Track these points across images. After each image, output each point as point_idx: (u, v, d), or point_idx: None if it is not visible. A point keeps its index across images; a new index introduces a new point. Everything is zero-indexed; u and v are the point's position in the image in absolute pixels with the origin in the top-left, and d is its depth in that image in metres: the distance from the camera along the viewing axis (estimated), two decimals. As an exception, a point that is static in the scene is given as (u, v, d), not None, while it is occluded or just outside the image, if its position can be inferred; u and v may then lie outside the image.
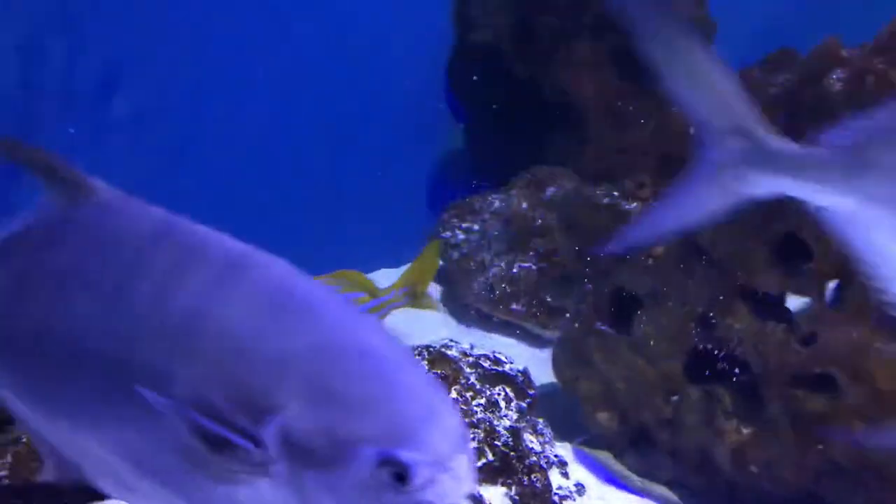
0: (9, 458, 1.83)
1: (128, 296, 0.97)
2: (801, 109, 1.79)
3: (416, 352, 2.01)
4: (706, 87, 1.09)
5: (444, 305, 3.12)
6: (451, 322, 3.01)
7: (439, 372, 1.94)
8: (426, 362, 1.97)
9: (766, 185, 1.07)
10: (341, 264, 3.36)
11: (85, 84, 2.66)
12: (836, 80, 1.75)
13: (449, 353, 2.03)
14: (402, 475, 0.86)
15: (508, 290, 2.94)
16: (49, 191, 1.07)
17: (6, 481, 1.80)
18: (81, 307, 1.00)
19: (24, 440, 1.85)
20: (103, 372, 0.97)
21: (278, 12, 2.99)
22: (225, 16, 2.89)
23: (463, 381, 1.97)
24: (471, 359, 2.08)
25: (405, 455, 0.86)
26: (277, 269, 0.97)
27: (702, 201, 1.17)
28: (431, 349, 2.02)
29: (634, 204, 2.21)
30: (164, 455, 0.95)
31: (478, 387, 2.00)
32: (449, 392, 1.91)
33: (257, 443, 0.88)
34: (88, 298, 0.99)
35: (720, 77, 1.12)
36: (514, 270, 2.99)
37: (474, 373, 2.04)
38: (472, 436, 1.83)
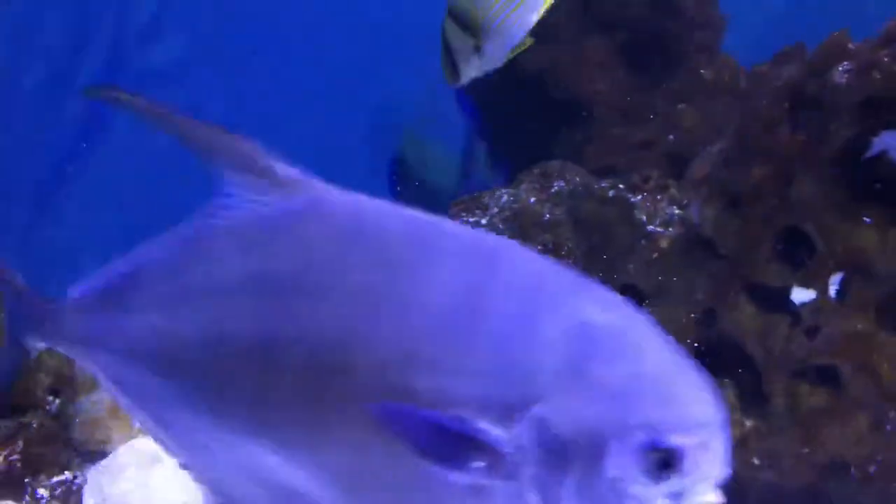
0: (20, 444, 1.87)
1: (363, 300, 0.86)
2: (804, 102, 1.79)
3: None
4: None
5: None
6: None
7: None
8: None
9: None
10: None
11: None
12: (841, 72, 1.74)
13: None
14: (669, 462, 0.79)
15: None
16: (248, 184, 0.94)
17: (18, 465, 1.84)
18: (309, 312, 0.88)
19: (35, 425, 1.89)
20: (326, 384, 0.86)
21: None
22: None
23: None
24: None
25: (675, 440, 0.79)
26: (518, 253, 0.89)
27: None
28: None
29: (640, 197, 2.22)
30: (387, 477, 0.85)
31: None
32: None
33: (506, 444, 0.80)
34: (317, 303, 0.88)
35: None
36: (521, 265, 3.00)
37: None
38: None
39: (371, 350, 0.84)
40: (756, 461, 1.86)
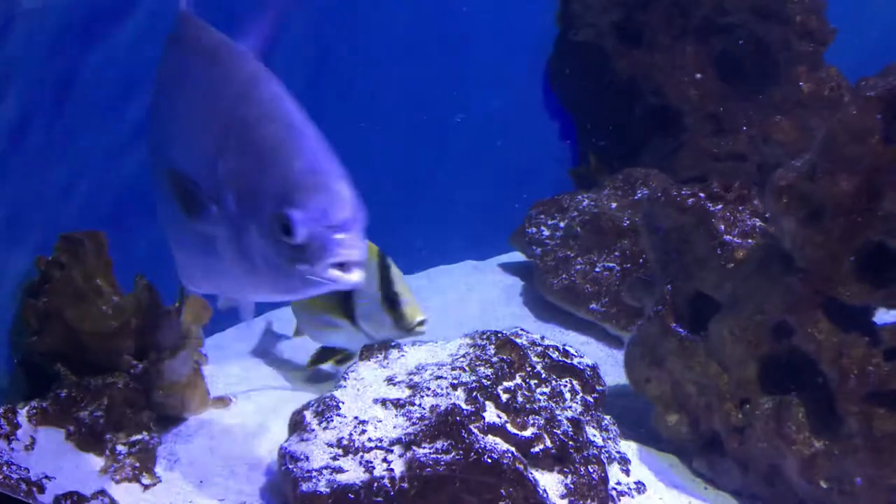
0: (105, 401, 2.00)
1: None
2: (898, 113, 1.71)
3: (484, 336, 2.05)
4: None
5: (523, 298, 3.14)
6: (530, 316, 3.02)
7: (505, 357, 1.97)
8: (493, 347, 2.00)
9: None
10: (430, 256, 3.44)
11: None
12: (940, 84, 1.65)
13: (517, 340, 2.06)
14: (288, 228, 1.17)
15: (589, 290, 2.93)
16: None
17: (101, 421, 1.96)
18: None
19: (120, 385, 2.01)
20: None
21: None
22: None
23: (528, 369, 1.99)
24: (539, 348, 2.10)
25: (294, 213, 1.17)
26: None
27: None
28: (500, 335, 2.05)
29: (720, 206, 2.16)
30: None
31: (543, 376, 2.01)
32: (513, 378, 1.93)
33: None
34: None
35: None
36: (598, 270, 2.97)
37: (541, 362, 2.05)
38: (531, 422, 1.85)
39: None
40: (823, 484, 1.79)
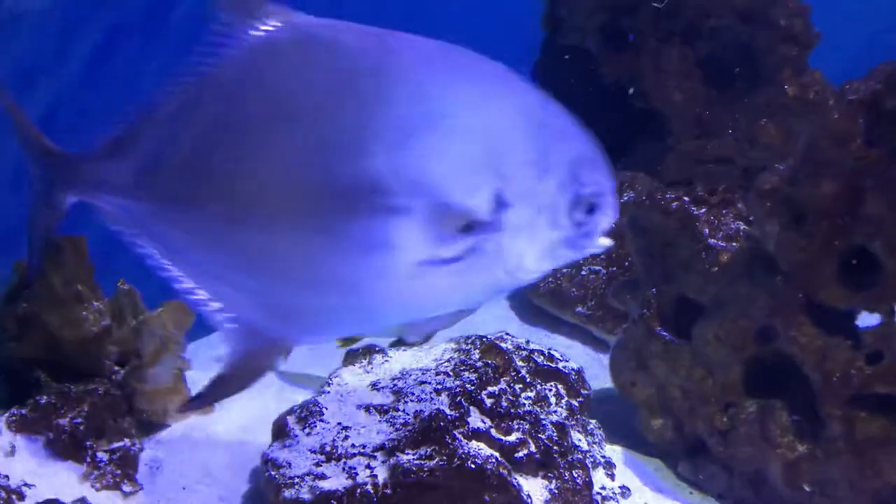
0: (85, 408, 1.97)
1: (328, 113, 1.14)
2: (881, 117, 1.71)
3: (468, 341, 2.04)
4: None
5: (510, 303, 3.14)
6: (516, 319, 3.02)
7: (489, 361, 1.96)
8: (477, 352, 1.99)
9: None
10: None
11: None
12: (921, 88, 1.66)
13: (502, 344, 2.05)
14: (592, 207, 1.14)
15: (575, 293, 2.93)
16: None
17: (81, 428, 1.94)
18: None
19: (101, 392, 1.99)
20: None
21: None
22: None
23: (513, 374, 1.98)
24: (524, 352, 2.09)
25: (587, 190, 1.13)
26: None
27: None
28: (485, 339, 2.05)
29: (703, 210, 2.17)
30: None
31: (528, 380, 2.00)
32: (498, 382, 1.92)
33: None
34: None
35: None
36: (584, 273, 2.97)
37: (526, 366, 2.05)
38: (516, 427, 1.84)
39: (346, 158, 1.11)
40: (807, 487, 1.79)
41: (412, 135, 1.09)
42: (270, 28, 1.18)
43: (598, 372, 2.53)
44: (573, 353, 2.73)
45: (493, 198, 1.10)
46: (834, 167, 1.77)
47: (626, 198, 3.14)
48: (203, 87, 1.20)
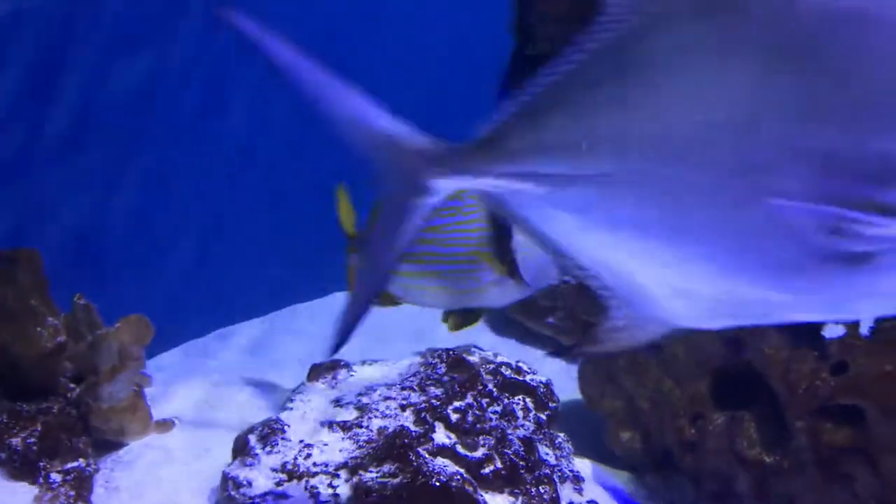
0: (39, 428, 1.91)
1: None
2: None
3: (435, 354, 2.01)
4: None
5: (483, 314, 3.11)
6: (487, 329, 2.99)
7: (456, 376, 1.93)
8: (444, 366, 1.96)
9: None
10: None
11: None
12: None
13: (469, 358, 2.02)
14: None
15: (546, 304, 2.91)
16: None
17: (34, 448, 1.88)
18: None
19: (55, 410, 1.93)
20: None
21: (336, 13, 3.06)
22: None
23: (480, 388, 1.95)
24: (491, 366, 2.07)
25: None
26: None
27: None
28: (452, 353, 2.02)
29: (671, 220, 2.16)
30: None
31: (495, 394, 1.98)
32: (464, 397, 1.90)
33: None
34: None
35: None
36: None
37: (493, 380, 2.02)
38: (482, 442, 1.81)
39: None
40: (774, 500, 1.78)
41: None
42: None
43: (567, 384, 2.51)
44: (543, 364, 2.70)
45: None
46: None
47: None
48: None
